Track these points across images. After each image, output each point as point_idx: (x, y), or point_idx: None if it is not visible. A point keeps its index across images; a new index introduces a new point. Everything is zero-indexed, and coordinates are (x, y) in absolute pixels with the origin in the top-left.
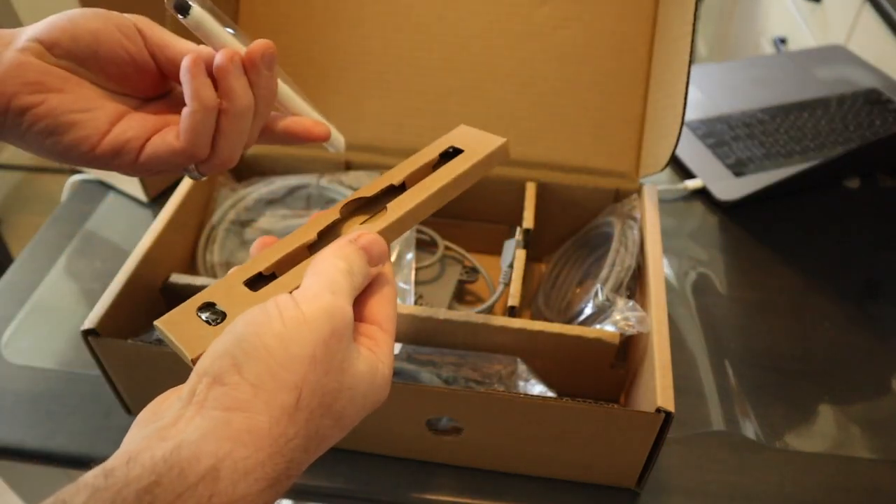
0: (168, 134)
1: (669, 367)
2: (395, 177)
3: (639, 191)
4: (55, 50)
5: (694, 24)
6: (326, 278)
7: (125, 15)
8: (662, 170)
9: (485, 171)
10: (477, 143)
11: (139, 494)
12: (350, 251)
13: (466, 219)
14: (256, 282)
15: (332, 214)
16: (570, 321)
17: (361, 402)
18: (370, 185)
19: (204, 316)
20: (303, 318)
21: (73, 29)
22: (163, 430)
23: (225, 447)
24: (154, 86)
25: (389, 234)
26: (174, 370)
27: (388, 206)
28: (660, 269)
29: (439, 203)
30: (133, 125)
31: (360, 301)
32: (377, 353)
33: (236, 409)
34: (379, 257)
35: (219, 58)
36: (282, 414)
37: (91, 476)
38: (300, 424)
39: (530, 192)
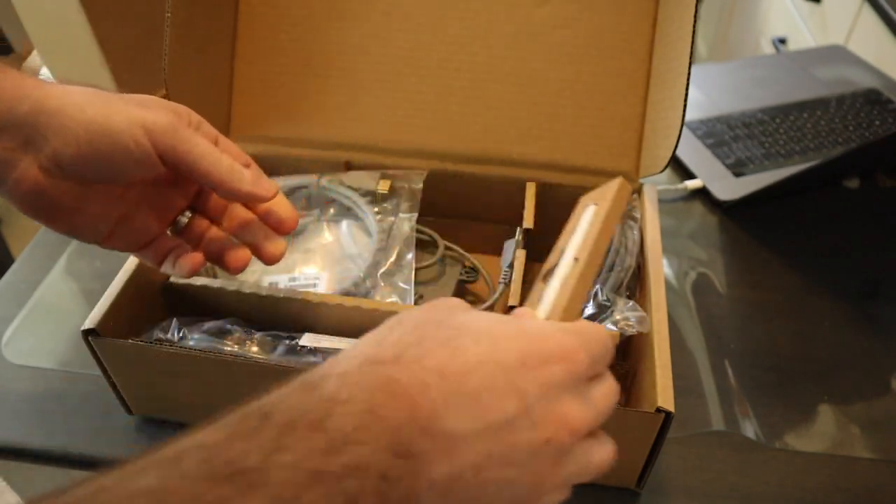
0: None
1: (669, 367)
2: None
3: (639, 191)
4: (73, 175)
5: (694, 25)
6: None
7: (160, 120)
8: (663, 170)
9: (618, 214)
10: (602, 195)
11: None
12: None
13: (466, 219)
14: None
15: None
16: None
17: (469, 315)
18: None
19: None
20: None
21: (92, 155)
22: None
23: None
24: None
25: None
26: (174, 370)
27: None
28: (660, 269)
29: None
30: (134, 230)
31: None
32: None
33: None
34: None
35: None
36: (384, 329)
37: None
38: (404, 330)
39: (530, 192)
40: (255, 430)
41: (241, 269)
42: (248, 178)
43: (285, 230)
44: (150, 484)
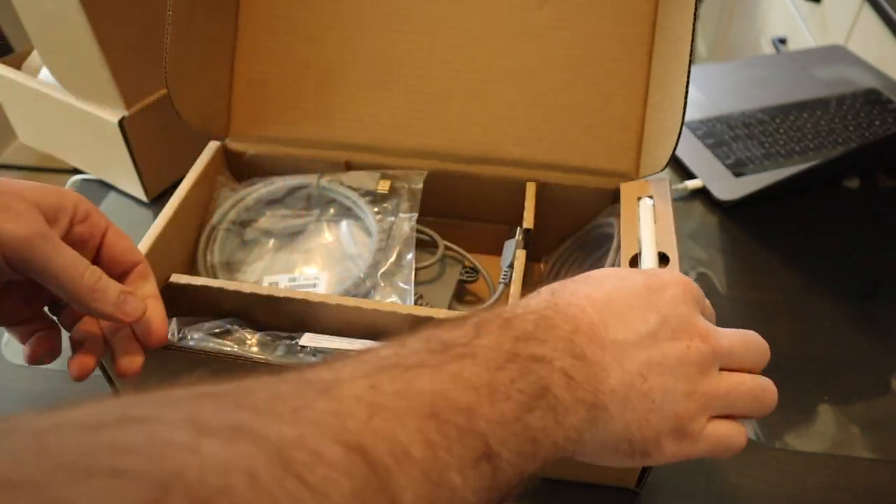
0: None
1: None
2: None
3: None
4: None
5: (694, 25)
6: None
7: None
8: (662, 170)
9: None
10: (647, 188)
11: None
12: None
13: (466, 219)
14: None
15: None
16: None
17: (591, 272)
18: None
19: None
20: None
21: None
22: None
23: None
24: None
25: None
26: (175, 369)
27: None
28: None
29: None
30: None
31: None
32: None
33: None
34: None
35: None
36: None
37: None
38: (545, 287)
39: (530, 192)
40: (459, 325)
41: (80, 377)
42: (111, 298)
43: (151, 343)
44: (388, 353)
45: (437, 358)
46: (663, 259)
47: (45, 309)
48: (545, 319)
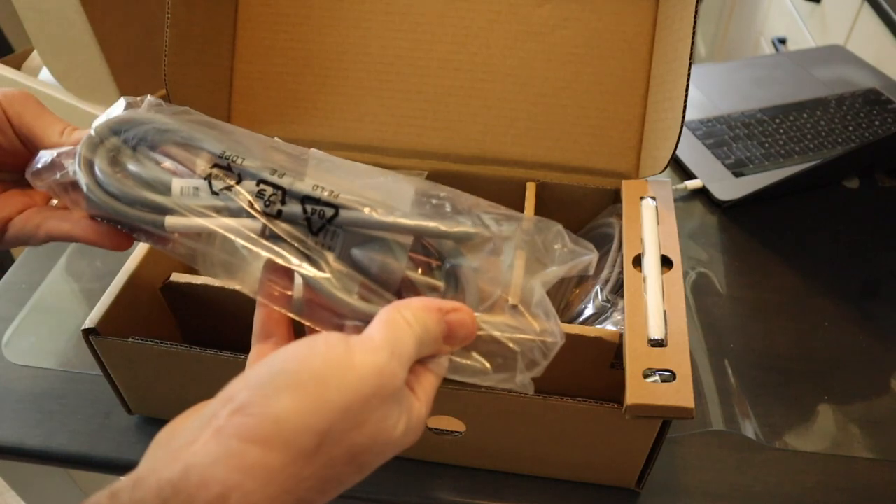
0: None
1: None
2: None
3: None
4: None
5: (694, 25)
6: (393, 335)
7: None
8: (663, 171)
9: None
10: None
11: None
12: (432, 321)
13: None
14: None
15: None
16: (568, 322)
17: (390, 453)
18: None
19: None
20: (350, 366)
21: None
22: (175, 451)
23: (235, 478)
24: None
25: None
26: (175, 370)
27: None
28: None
29: None
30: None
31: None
32: (414, 411)
33: (254, 442)
34: (463, 340)
35: None
36: (298, 456)
37: (96, 498)
38: (317, 467)
39: (530, 192)
40: None
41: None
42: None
43: None
44: None
45: None
46: (666, 262)
47: None
48: None
